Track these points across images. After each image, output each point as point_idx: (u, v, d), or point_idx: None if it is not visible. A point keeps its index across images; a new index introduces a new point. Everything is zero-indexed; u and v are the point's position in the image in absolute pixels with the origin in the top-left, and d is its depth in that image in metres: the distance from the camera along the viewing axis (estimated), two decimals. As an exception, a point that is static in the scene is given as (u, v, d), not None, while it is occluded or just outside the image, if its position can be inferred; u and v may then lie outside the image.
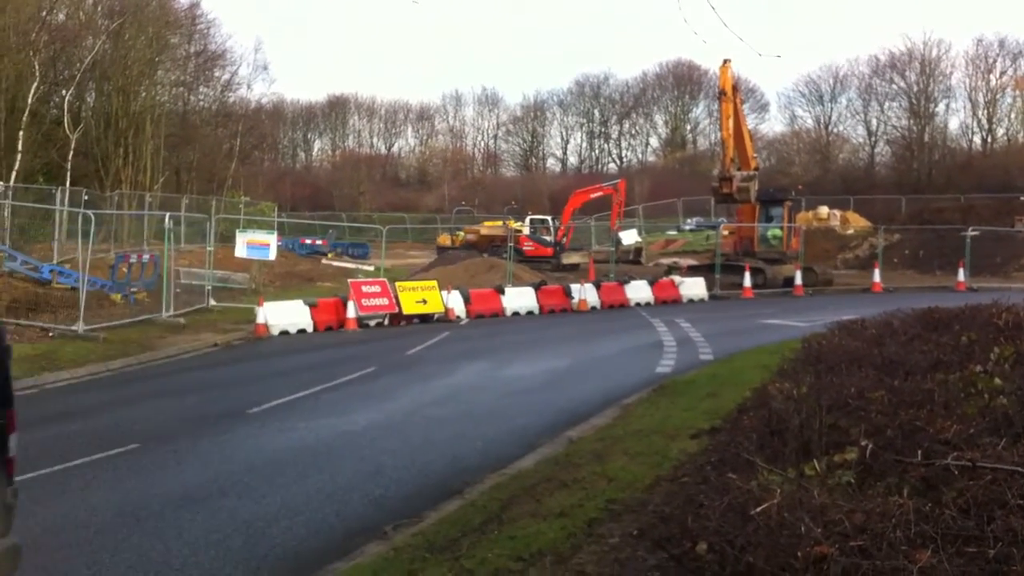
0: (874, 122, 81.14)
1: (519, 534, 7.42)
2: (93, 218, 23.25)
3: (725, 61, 36.23)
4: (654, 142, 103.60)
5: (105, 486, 10.13)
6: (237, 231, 29.73)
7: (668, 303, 30.97)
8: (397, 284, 26.73)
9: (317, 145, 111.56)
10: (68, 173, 41.39)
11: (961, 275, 35.51)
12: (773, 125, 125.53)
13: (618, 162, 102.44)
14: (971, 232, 38.07)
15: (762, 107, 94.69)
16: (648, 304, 30.53)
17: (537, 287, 29.79)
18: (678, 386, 14.56)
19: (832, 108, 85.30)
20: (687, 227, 67.01)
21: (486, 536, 7.54)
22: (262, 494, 9.68)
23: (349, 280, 27.93)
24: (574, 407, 13.85)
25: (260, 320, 23.58)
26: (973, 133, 77.58)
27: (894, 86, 78.36)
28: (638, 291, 31.04)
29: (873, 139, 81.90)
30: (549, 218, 48.75)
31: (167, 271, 25.50)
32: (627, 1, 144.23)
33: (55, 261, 28.31)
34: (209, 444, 12.05)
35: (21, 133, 39.21)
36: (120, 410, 14.87)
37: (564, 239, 45.76)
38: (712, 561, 5.02)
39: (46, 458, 11.09)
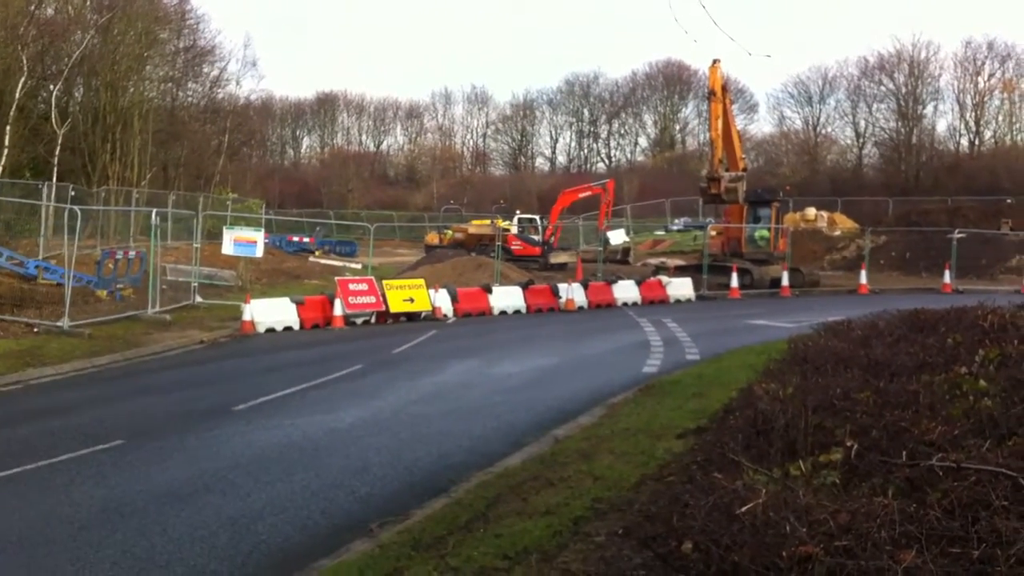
0: (862, 123, 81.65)
1: (505, 532, 7.42)
2: (79, 214, 23.14)
3: (715, 61, 36.28)
4: (643, 142, 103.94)
5: (89, 482, 10.08)
6: (224, 228, 29.62)
7: (655, 303, 31.01)
8: (384, 282, 26.68)
9: (306, 142, 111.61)
10: (55, 168, 41.18)
11: (947, 277, 35.69)
12: (762, 126, 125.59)
13: (607, 162, 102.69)
14: (957, 234, 38.27)
15: (751, 108, 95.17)
16: (635, 304, 30.57)
17: (525, 286, 29.79)
18: (664, 386, 14.58)
19: (821, 109, 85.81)
20: (675, 227, 67.13)
21: (472, 534, 7.54)
22: (247, 491, 9.65)
23: (336, 278, 27.88)
24: (561, 406, 13.86)
25: (246, 317, 23.51)
26: (961, 135, 78.14)
27: (882, 88, 78.79)
28: (625, 291, 31.07)
29: (861, 141, 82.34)
30: (537, 217, 48.77)
31: (153, 267, 25.42)
32: (618, 0, 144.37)
33: (41, 257, 28.19)
34: (194, 441, 12.01)
35: (8, 128, 38.99)
36: (105, 406, 14.80)
37: (552, 238, 45.80)
38: (697, 560, 5.03)
39: (30, 454, 11.07)
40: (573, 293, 29.60)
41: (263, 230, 30.60)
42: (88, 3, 49.69)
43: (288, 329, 24.00)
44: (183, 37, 57.51)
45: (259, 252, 29.12)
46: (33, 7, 43.34)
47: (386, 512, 8.85)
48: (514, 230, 46.52)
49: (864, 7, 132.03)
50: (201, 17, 60.68)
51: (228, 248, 28.17)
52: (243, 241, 28.15)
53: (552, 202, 48.29)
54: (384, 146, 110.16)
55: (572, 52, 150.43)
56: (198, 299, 27.51)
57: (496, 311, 28.04)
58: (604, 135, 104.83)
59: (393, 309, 25.74)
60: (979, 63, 76.25)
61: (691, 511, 5.52)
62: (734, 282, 34.01)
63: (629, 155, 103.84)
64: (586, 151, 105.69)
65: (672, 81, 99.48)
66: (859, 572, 4.30)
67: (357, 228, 57.09)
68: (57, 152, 42.20)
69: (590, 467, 9.30)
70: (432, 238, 52.41)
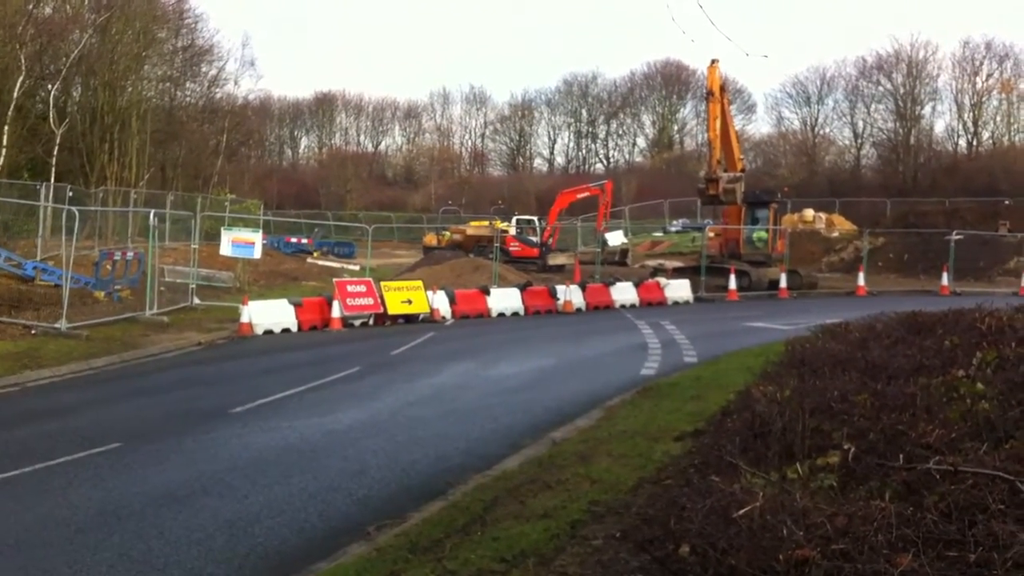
0: (860, 124, 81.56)
1: (502, 535, 7.41)
2: (77, 215, 23.12)
3: (713, 61, 36.24)
4: (641, 142, 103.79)
5: (87, 485, 10.07)
6: (222, 229, 29.59)
7: (653, 305, 31.00)
8: (382, 284, 26.68)
9: (304, 142, 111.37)
10: (53, 169, 41.13)
11: (945, 279, 35.69)
12: (760, 126, 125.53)
13: (605, 162, 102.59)
14: (955, 236, 38.27)
15: (749, 108, 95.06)
16: (633, 306, 30.55)
17: (523, 288, 29.79)
18: (662, 388, 14.58)
19: (819, 110, 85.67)
20: (673, 229, 67.09)
21: (469, 537, 7.53)
22: (245, 493, 9.65)
23: (334, 279, 27.87)
24: (558, 408, 13.87)
25: (244, 319, 23.49)
26: (959, 136, 78.08)
27: (881, 88, 78.73)
28: (623, 293, 31.06)
29: (859, 141, 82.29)
30: (535, 218, 48.76)
31: (151, 269, 25.40)
32: (616, 1, 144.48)
33: (39, 258, 28.16)
34: (192, 443, 12.00)
35: (6, 128, 38.96)
36: (102, 408, 14.81)
37: (550, 240, 45.80)
38: (694, 563, 5.03)
39: (28, 456, 11.07)
40: (571, 295, 29.60)
41: (261, 231, 30.58)
42: (86, 2, 49.59)
43: (286, 331, 23.98)
44: (181, 36, 57.41)
45: (257, 253, 29.10)
46: (31, 6, 43.28)
47: (383, 515, 8.85)
48: (512, 231, 46.52)
49: (862, 7, 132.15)
50: (199, 16, 60.44)
51: (226, 249, 28.15)
52: (241, 242, 28.12)
53: (550, 203, 48.24)
54: (382, 146, 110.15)
55: (570, 52, 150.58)
56: (196, 300, 27.50)
57: (494, 313, 28.03)
58: (602, 135, 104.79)
59: (391, 311, 25.73)
60: (977, 63, 76.29)
61: (688, 514, 5.52)
62: (732, 284, 34.00)
63: (627, 156, 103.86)
64: (584, 152, 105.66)
65: (670, 81, 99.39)
66: (856, 576, 4.30)
67: (355, 229, 57.06)
68: (55, 152, 42.13)
69: (588, 470, 9.29)
70: (430, 239, 52.40)
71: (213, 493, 9.69)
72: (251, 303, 24.22)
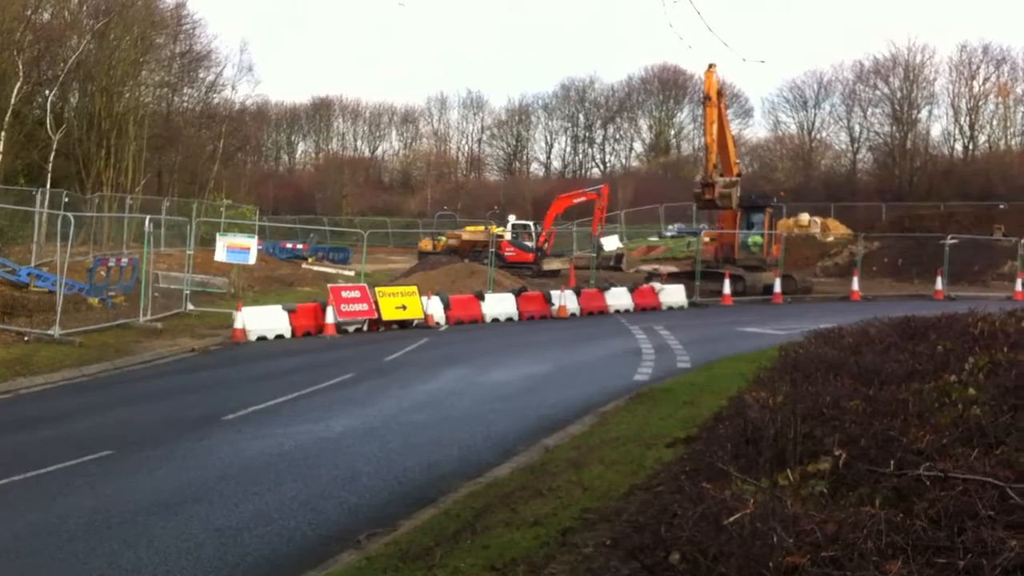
0: (857, 128, 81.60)
1: (493, 543, 7.39)
2: (72, 220, 23.09)
3: (710, 66, 36.25)
4: (638, 147, 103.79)
5: (78, 492, 10.05)
6: (218, 234, 29.57)
7: (648, 310, 31.00)
8: (377, 289, 26.67)
9: (301, 147, 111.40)
10: (49, 174, 41.13)
11: (939, 284, 35.72)
12: (757, 131, 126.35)
13: (602, 167, 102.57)
14: (950, 240, 38.26)
15: (746, 112, 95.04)
16: (628, 311, 30.55)
17: (517, 293, 29.78)
18: (656, 394, 14.56)
19: (816, 114, 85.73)
20: (668, 233, 67.10)
21: (460, 545, 7.51)
22: (236, 501, 9.62)
23: (329, 285, 27.85)
24: (552, 414, 13.85)
25: (238, 325, 23.44)
26: (955, 140, 78.12)
27: (877, 92, 78.79)
28: (618, 298, 31.06)
29: (856, 145, 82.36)
30: (531, 223, 48.78)
31: (146, 275, 25.37)
32: (613, 5, 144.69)
33: (33, 264, 28.11)
34: (184, 450, 11.97)
35: (3, 133, 38.93)
36: (95, 415, 14.77)
37: (545, 245, 45.81)
38: (685, 571, 5.00)
39: (19, 464, 11.04)
40: (565, 300, 29.59)
41: (256, 237, 30.56)
42: (84, 8, 49.64)
43: (280, 337, 23.93)
44: (179, 42, 57.44)
45: (252, 259, 29.09)
46: (29, 12, 43.29)
47: (375, 522, 8.83)
48: (508, 236, 46.53)
49: (860, 11, 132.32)
50: (197, 22, 60.48)
51: (221, 255, 28.14)
52: (236, 248, 28.12)
53: (547, 207, 48.27)
54: (379, 151, 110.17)
55: (567, 57, 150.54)
56: (190, 306, 27.46)
57: (488, 318, 28.01)
58: (599, 140, 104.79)
59: (385, 317, 25.69)
60: (974, 67, 76.33)
61: (679, 521, 5.49)
62: (726, 289, 33.99)
63: (624, 160, 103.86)
64: (581, 156, 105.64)
65: (667, 86, 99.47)
66: (845, 583, 4.28)
67: (351, 235, 56.97)
68: (52, 158, 42.13)
69: (579, 477, 9.27)
70: (426, 244, 52.42)
71: (204, 501, 9.66)
72: (245, 309, 24.17)
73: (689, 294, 33.23)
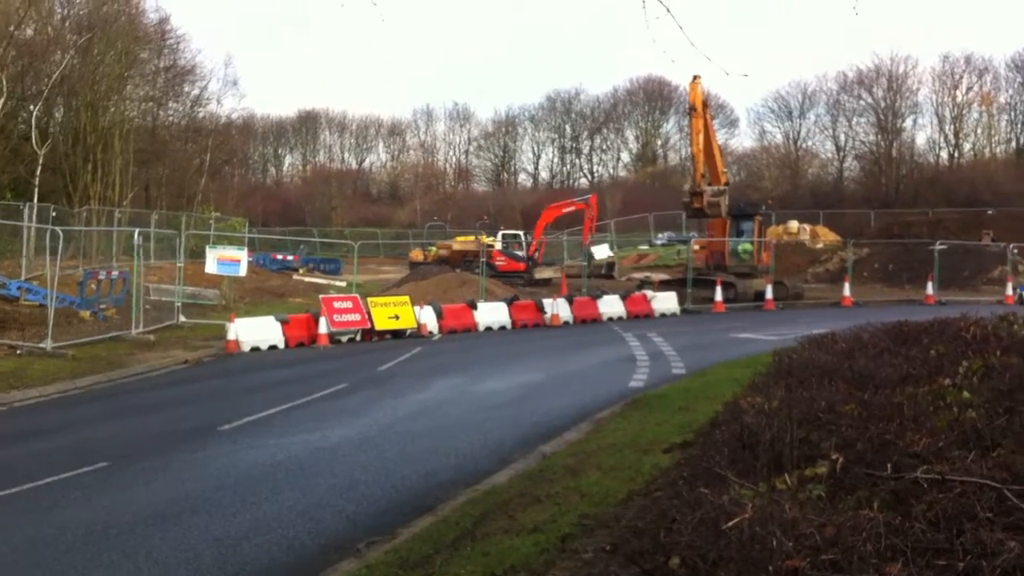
0: (842, 137, 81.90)
1: (492, 550, 7.41)
2: (61, 234, 23.07)
3: (695, 78, 36.42)
4: (625, 157, 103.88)
5: (74, 504, 10.03)
6: (207, 247, 29.52)
7: (640, 317, 31.05)
8: (369, 300, 26.67)
9: (288, 160, 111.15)
10: (36, 189, 40.99)
11: (930, 289, 35.84)
12: (743, 140, 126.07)
13: (589, 177, 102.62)
14: (939, 246, 38.42)
15: (732, 122, 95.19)
16: (620, 319, 30.60)
17: (510, 302, 29.82)
18: (651, 400, 14.59)
19: (801, 124, 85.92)
20: (658, 242, 67.14)
21: (459, 552, 7.53)
22: (234, 511, 9.62)
23: (321, 296, 27.83)
24: (548, 421, 13.87)
25: (231, 336, 23.41)
26: (940, 148, 78.50)
27: (862, 102, 79.11)
28: (610, 306, 31.10)
29: (842, 154, 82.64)
30: (521, 233, 48.82)
31: (136, 287, 25.33)
32: (597, 18, 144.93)
33: (23, 278, 28.05)
34: (180, 462, 11.96)
35: (-12, 148, 38.88)
36: (89, 428, 14.74)
37: (536, 254, 45.85)
38: (684, 575, 5.03)
39: (14, 477, 11.01)
40: (558, 308, 29.62)
41: (246, 249, 30.53)
42: (68, 24, 49.55)
43: (273, 348, 23.92)
44: (163, 57, 57.29)
45: (243, 271, 29.06)
46: (12, 28, 43.16)
47: (373, 531, 8.83)
48: (498, 246, 46.57)
49: (843, 22, 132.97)
50: (181, 37, 60.38)
51: (211, 267, 28.11)
52: (226, 260, 28.09)
53: (535, 218, 48.32)
54: (366, 163, 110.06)
55: (553, 69, 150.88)
56: (182, 318, 27.42)
57: (481, 327, 28.02)
58: (586, 151, 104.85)
59: (378, 326, 25.70)
60: (957, 77, 76.78)
61: (678, 526, 5.52)
62: (718, 296, 34.07)
63: (611, 170, 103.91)
64: (569, 167, 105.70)
65: (653, 97, 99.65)
66: (845, 585, 4.31)
67: (341, 246, 56.90)
68: (38, 172, 41.97)
69: (577, 483, 9.29)
70: (416, 255, 52.40)
71: (202, 511, 9.66)
72: (237, 320, 24.16)
73: (681, 301, 33.31)
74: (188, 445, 12.87)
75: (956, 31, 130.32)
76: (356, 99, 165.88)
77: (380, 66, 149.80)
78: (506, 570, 6.78)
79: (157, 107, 57.78)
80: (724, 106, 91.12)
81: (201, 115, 61.90)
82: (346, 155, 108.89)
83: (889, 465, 5.83)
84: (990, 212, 51.64)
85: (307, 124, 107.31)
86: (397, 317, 26.17)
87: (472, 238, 51.33)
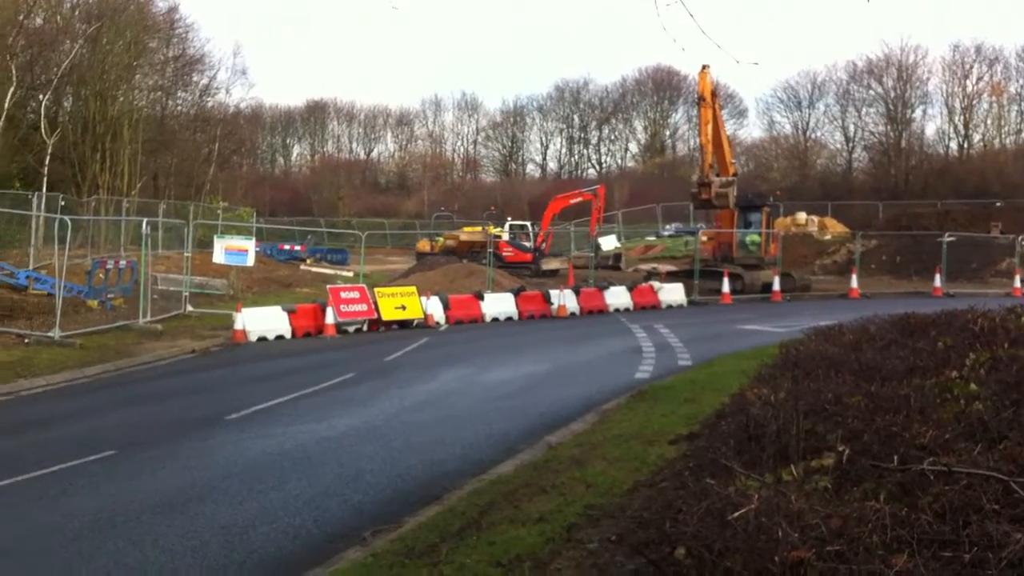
0: (852, 128, 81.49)
1: (498, 539, 7.42)
2: (70, 224, 23.08)
3: (704, 67, 36.32)
4: (633, 147, 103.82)
5: (82, 492, 10.07)
6: (215, 236, 29.57)
7: (647, 309, 31.03)
8: (376, 290, 26.68)
9: (296, 150, 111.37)
10: (44, 178, 41.08)
11: (938, 281, 35.77)
12: (751, 131, 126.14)
13: (597, 167, 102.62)
14: (948, 238, 38.33)
15: (740, 113, 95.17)
16: (627, 310, 30.59)
17: (516, 293, 29.81)
18: (657, 391, 14.59)
19: (810, 114, 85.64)
20: (666, 233, 67.05)
21: (465, 542, 7.54)
22: (240, 500, 9.64)
23: (328, 286, 27.85)
24: (554, 412, 13.88)
25: (238, 326, 23.44)
26: (950, 139, 78.09)
27: (871, 92, 78.72)
28: (617, 297, 31.09)
29: (851, 145, 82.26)
30: (528, 223, 48.79)
31: (144, 277, 25.36)
32: (607, 7, 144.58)
33: (31, 267, 28.12)
34: (187, 450, 11.99)
35: (-3, 138, 38.93)
36: (97, 416, 14.78)
37: (543, 245, 45.82)
38: (690, 566, 5.02)
39: (22, 464, 11.05)
40: (565, 299, 29.62)
41: (254, 238, 30.56)
42: (77, 13, 49.58)
43: (280, 338, 23.93)
44: (172, 46, 57.31)
45: (250, 261, 29.07)
46: (22, 16, 43.25)
47: (379, 520, 8.85)
48: (505, 237, 46.55)
49: (853, 12, 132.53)
50: (190, 26, 60.51)
51: (219, 257, 28.13)
52: (234, 250, 28.11)
53: (543, 208, 48.30)
54: (374, 153, 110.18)
55: (562, 58, 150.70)
56: (189, 308, 27.45)
57: (488, 318, 28.02)
58: (594, 141, 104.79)
59: (385, 317, 25.71)
60: (967, 67, 76.30)
61: (684, 517, 5.52)
62: (725, 287, 34.04)
63: (619, 161, 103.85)
64: (577, 157, 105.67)
65: (662, 87, 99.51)
66: (851, 577, 4.31)
67: (348, 236, 56.93)
68: (47, 162, 42.09)
69: (583, 473, 9.30)
70: (424, 245, 52.41)
71: (208, 500, 9.68)
72: (245, 310, 24.18)
73: (688, 292, 33.28)
74: (195, 434, 12.91)
75: (966, 20, 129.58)
76: (364, 89, 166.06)
77: (389, 56, 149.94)
78: (511, 559, 6.79)
79: (166, 96, 57.85)
80: (733, 96, 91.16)
81: (210, 104, 62.00)
82: (354, 145, 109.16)
83: (895, 457, 5.83)
84: (999, 204, 51.46)
85: (315, 114, 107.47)
86: (404, 307, 26.17)
87: (479, 228, 51.30)
